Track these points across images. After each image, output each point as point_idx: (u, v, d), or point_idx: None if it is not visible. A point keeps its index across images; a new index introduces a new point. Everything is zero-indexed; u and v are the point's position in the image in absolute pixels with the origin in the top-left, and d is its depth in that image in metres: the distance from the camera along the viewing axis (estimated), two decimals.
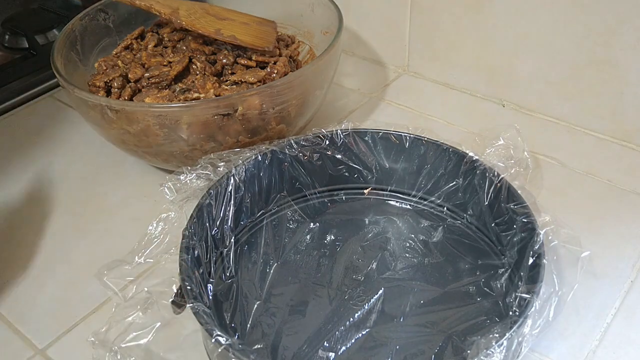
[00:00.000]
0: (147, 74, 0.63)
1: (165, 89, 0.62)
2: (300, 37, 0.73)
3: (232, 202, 0.53)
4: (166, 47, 0.68)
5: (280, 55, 0.67)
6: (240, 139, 0.59)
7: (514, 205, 0.50)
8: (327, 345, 0.47)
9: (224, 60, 0.65)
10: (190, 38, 0.68)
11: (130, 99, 0.62)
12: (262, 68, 0.65)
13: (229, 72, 0.65)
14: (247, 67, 0.65)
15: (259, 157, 0.55)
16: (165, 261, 0.49)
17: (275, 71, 0.64)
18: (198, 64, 0.64)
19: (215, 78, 0.63)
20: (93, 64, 0.68)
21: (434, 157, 0.56)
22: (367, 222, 0.58)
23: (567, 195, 0.62)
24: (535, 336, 0.41)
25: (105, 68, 0.65)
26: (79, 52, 0.68)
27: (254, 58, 0.65)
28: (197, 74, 0.64)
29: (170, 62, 0.65)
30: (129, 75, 0.63)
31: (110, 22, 0.73)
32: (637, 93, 0.64)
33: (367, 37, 0.84)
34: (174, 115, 0.55)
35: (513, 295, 0.44)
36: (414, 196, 0.59)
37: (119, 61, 0.66)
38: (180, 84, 0.63)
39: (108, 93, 0.64)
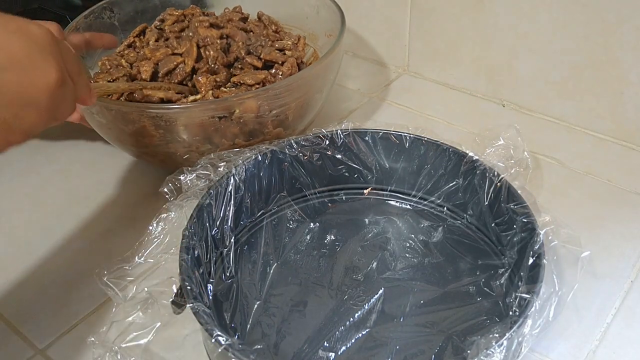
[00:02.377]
0: (162, 70, 0.62)
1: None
2: (306, 39, 0.73)
3: (232, 202, 0.53)
4: (167, 39, 0.67)
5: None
6: (236, 142, 0.59)
7: (514, 205, 0.50)
8: (327, 345, 0.47)
9: (236, 53, 0.64)
10: (197, 24, 0.66)
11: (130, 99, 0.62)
12: (269, 68, 0.65)
13: (239, 66, 0.64)
14: (254, 67, 0.64)
15: (259, 157, 0.55)
16: (165, 261, 0.49)
17: (281, 73, 0.63)
18: (212, 52, 0.63)
19: (213, 77, 0.62)
20: (97, 62, 0.68)
21: (434, 157, 0.56)
22: (367, 222, 0.58)
23: (567, 195, 0.62)
24: (535, 336, 0.41)
25: (109, 67, 0.65)
26: (82, 50, 0.68)
27: (262, 56, 0.65)
28: (207, 64, 0.63)
29: (175, 53, 0.64)
30: (142, 74, 0.62)
31: (116, 20, 0.73)
32: (637, 93, 0.64)
33: (367, 37, 0.84)
34: (169, 117, 0.55)
35: (513, 295, 0.44)
36: (414, 196, 0.59)
37: (122, 60, 0.65)
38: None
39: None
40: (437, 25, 0.76)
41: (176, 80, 0.63)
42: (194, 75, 0.63)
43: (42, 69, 0.40)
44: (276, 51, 0.66)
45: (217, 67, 0.63)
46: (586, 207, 0.60)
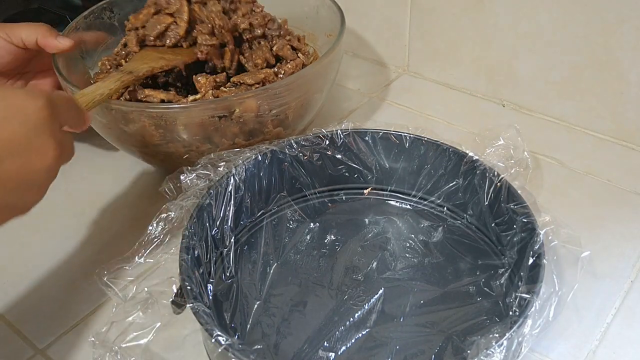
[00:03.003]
0: (152, 33, 0.59)
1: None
2: (306, 39, 0.73)
3: (232, 202, 0.53)
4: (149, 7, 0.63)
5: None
6: (236, 142, 0.59)
7: (514, 205, 0.50)
8: (327, 345, 0.47)
9: (256, 32, 0.62)
10: None
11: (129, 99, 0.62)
12: (273, 65, 0.64)
13: (248, 37, 0.62)
14: (266, 59, 0.64)
15: (259, 157, 0.55)
16: (165, 261, 0.49)
17: (283, 71, 0.63)
18: (217, 20, 0.59)
19: (213, 78, 0.62)
20: (97, 62, 0.68)
21: (434, 157, 0.56)
22: (367, 222, 0.58)
23: (567, 195, 0.62)
24: (535, 336, 0.41)
25: (109, 67, 0.65)
26: (82, 50, 0.68)
27: (275, 49, 0.64)
28: (207, 31, 0.59)
29: (159, 11, 0.60)
30: (129, 47, 0.61)
31: (115, 20, 0.72)
32: (637, 93, 0.64)
33: (367, 37, 0.84)
34: (169, 116, 0.55)
35: (513, 295, 0.44)
36: (414, 196, 0.59)
37: (122, 60, 0.65)
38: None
39: None
40: (437, 25, 0.76)
41: (170, 44, 0.60)
42: (191, 38, 0.60)
43: (41, 150, 0.39)
44: (289, 47, 0.65)
45: (222, 34, 0.60)
46: (586, 207, 0.60)
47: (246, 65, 0.64)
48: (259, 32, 0.64)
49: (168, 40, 0.60)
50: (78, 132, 0.47)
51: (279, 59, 0.65)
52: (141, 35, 0.61)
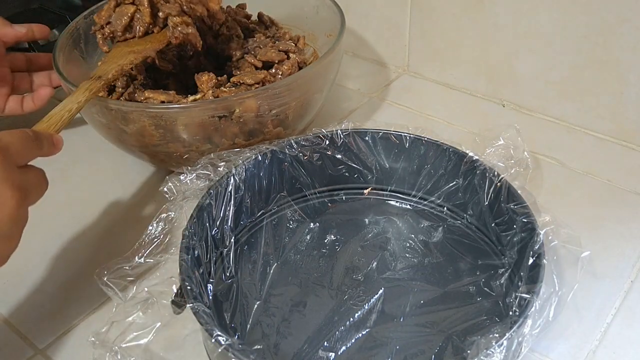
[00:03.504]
0: (118, 28, 0.57)
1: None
2: (306, 39, 0.73)
3: (232, 202, 0.53)
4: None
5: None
6: (236, 142, 0.59)
7: (514, 205, 0.50)
8: (327, 345, 0.47)
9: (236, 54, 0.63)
10: None
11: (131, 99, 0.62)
12: (270, 68, 0.65)
13: (235, 40, 0.63)
14: (255, 67, 0.64)
15: (259, 157, 0.55)
16: (165, 261, 0.49)
17: (280, 72, 0.63)
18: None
19: (214, 76, 0.62)
20: (97, 62, 0.68)
21: (434, 157, 0.56)
22: (367, 222, 0.58)
23: (567, 195, 0.62)
24: (535, 336, 0.41)
25: None
26: (82, 50, 0.68)
27: (258, 57, 0.64)
28: (176, 12, 0.57)
29: (120, 2, 0.58)
30: (102, 49, 0.61)
31: None
32: (637, 93, 0.64)
33: (367, 37, 0.84)
34: (169, 116, 0.55)
35: (513, 295, 0.44)
36: (414, 196, 0.59)
37: None
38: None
39: (111, 91, 0.64)
40: (437, 25, 0.76)
41: (140, 33, 0.58)
42: (161, 21, 0.58)
43: None
44: (272, 51, 0.65)
45: (192, 9, 0.58)
46: (586, 207, 0.60)
47: None
48: (238, 54, 0.64)
49: (137, 30, 0.58)
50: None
51: (270, 65, 0.65)
52: (108, 33, 0.59)
